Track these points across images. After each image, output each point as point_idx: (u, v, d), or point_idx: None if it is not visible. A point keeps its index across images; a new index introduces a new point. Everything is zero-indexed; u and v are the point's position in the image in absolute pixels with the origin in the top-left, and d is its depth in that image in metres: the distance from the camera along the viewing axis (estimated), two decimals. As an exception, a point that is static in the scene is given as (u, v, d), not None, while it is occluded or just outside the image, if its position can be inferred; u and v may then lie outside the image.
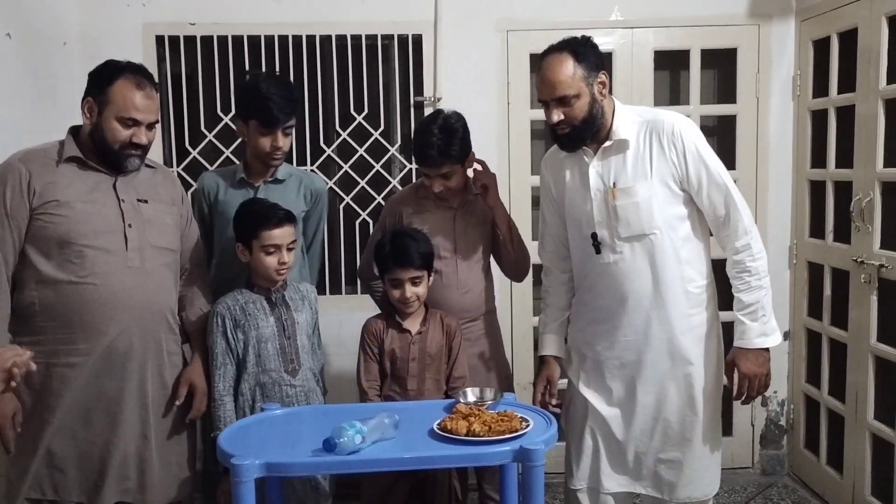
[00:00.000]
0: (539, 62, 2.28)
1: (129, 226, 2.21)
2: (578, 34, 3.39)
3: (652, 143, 2.25)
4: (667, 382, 2.30)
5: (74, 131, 2.27)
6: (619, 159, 2.27)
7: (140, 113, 2.18)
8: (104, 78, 2.19)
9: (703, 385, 2.30)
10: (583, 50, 2.22)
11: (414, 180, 3.50)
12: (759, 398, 3.54)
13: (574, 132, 2.24)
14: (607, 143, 2.28)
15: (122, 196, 2.23)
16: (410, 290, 2.41)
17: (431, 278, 2.49)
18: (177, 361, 2.35)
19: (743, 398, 2.32)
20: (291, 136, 2.62)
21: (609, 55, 3.43)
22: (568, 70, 2.19)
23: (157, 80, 3.24)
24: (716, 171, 2.23)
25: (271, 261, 2.36)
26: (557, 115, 2.22)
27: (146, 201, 2.28)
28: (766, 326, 2.26)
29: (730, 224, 2.25)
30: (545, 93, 2.24)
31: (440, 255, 2.56)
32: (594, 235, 2.30)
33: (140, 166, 2.26)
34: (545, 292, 2.57)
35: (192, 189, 2.79)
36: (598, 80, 2.23)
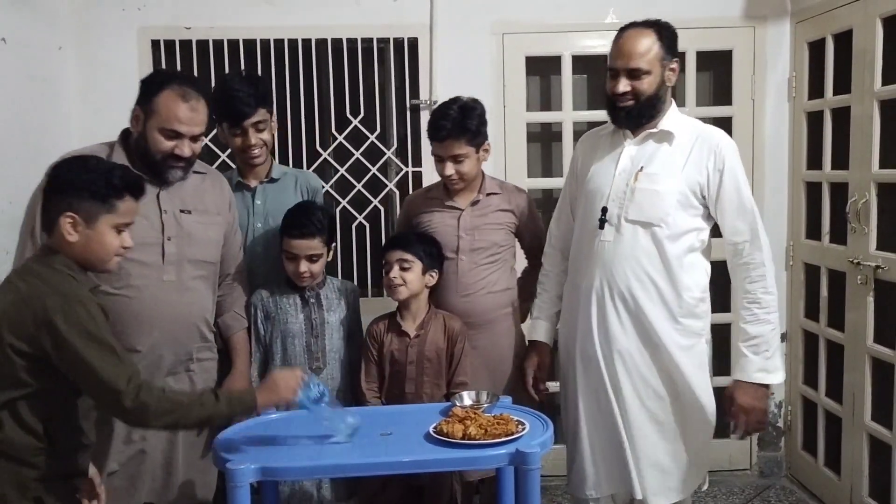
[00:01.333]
0: (619, 32, 2.30)
1: (168, 239, 2.20)
2: (574, 36, 3.44)
3: (693, 149, 2.26)
4: (647, 391, 2.28)
5: (124, 136, 2.25)
6: (656, 148, 2.29)
7: (183, 125, 2.15)
8: (152, 87, 2.17)
9: (685, 392, 2.27)
10: (665, 32, 2.26)
11: (410, 183, 3.51)
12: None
13: (636, 107, 2.26)
14: (651, 130, 2.30)
15: (164, 207, 2.21)
16: (397, 272, 2.41)
17: (434, 280, 2.48)
18: (208, 366, 2.35)
19: (739, 434, 2.29)
20: (269, 131, 2.58)
21: (605, 57, 3.42)
22: (647, 44, 2.23)
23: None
24: (748, 199, 2.25)
25: (290, 266, 2.44)
26: (625, 86, 2.24)
27: (189, 212, 2.26)
28: (769, 363, 2.23)
29: (749, 254, 2.24)
30: (619, 61, 2.25)
31: (443, 255, 2.54)
32: (604, 210, 2.30)
33: (183, 177, 2.23)
34: (544, 276, 2.56)
35: None
36: (671, 65, 2.27)
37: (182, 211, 2.24)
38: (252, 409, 1.92)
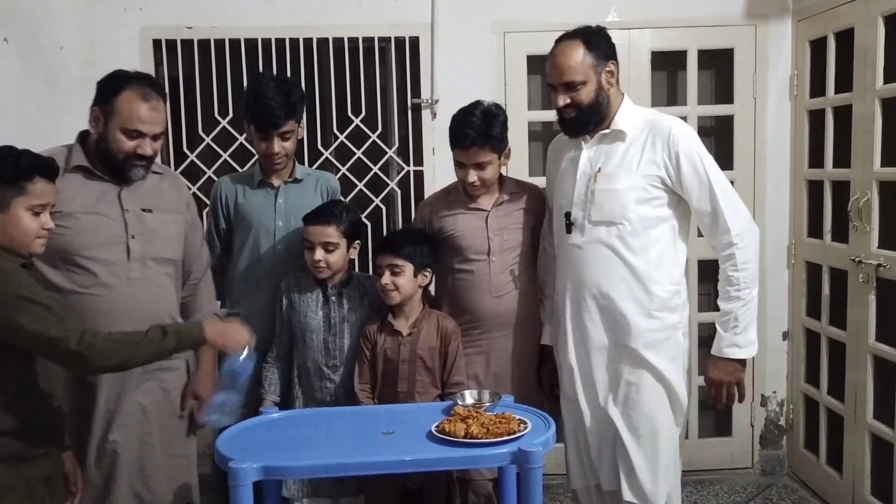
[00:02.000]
0: (552, 48, 2.34)
1: (133, 237, 2.21)
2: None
3: (646, 142, 2.30)
4: (620, 384, 2.31)
5: (83, 137, 2.25)
6: (611, 148, 2.33)
7: (145, 125, 2.16)
8: (111, 88, 2.18)
9: (658, 393, 2.30)
10: (595, 39, 2.30)
11: (411, 182, 3.51)
12: (760, 399, 3.58)
13: (579, 117, 2.31)
14: (605, 131, 2.34)
15: (126, 206, 2.22)
16: (388, 278, 2.41)
17: (427, 278, 2.48)
18: (177, 365, 2.34)
19: (714, 403, 2.34)
20: (294, 140, 2.62)
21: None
22: (577, 57, 2.27)
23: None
24: (708, 179, 2.25)
25: (308, 256, 2.48)
26: (563, 100, 2.30)
27: (151, 210, 2.27)
28: (739, 338, 2.26)
29: (718, 233, 2.27)
30: (553, 77, 2.31)
31: (470, 257, 2.52)
32: (568, 215, 2.36)
33: (145, 176, 2.25)
34: (542, 282, 2.59)
35: (210, 197, 2.80)
36: (607, 69, 2.31)
37: (143, 210, 2.25)
38: (200, 342, 1.96)
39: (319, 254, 2.44)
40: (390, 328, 2.45)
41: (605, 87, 2.31)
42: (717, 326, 2.30)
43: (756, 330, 2.30)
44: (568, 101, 2.29)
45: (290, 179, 2.67)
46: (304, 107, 2.71)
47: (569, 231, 2.36)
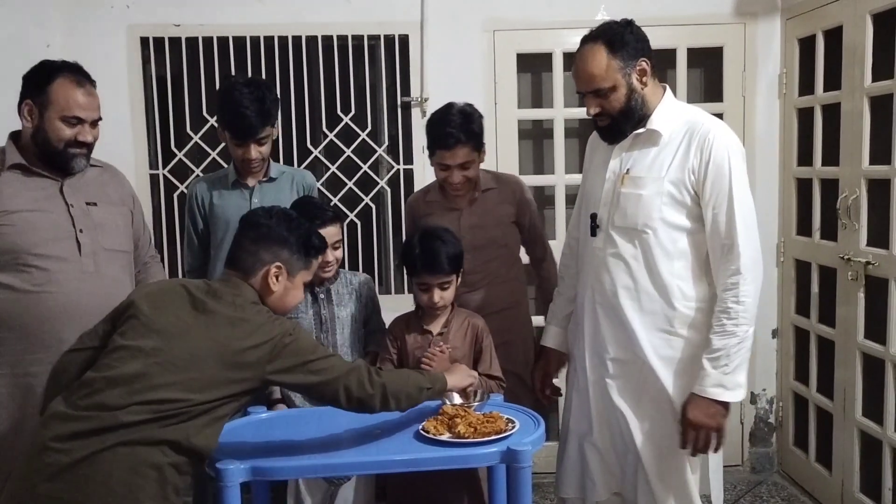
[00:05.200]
0: (577, 50, 2.18)
1: (81, 231, 2.17)
2: (565, 33, 3.42)
3: (681, 144, 2.12)
4: (637, 402, 2.18)
5: (15, 136, 2.22)
6: (644, 150, 2.16)
7: (83, 111, 2.15)
8: (42, 78, 2.15)
9: (675, 415, 2.14)
10: (619, 38, 2.11)
11: (401, 181, 3.50)
12: (750, 396, 3.58)
13: (613, 124, 2.16)
14: (639, 131, 2.16)
15: (70, 201, 2.19)
16: (439, 295, 2.36)
17: (460, 279, 2.44)
18: None
19: (689, 451, 2.11)
20: (269, 144, 2.62)
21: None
22: (601, 62, 2.09)
23: (142, 82, 3.24)
24: (733, 195, 2.05)
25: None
26: (594, 108, 2.15)
27: (95, 204, 2.24)
28: (727, 378, 2.05)
29: (725, 257, 2.07)
30: (580, 85, 2.16)
31: None
32: (593, 216, 2.23)
33: (85, 167, 2.22)
34: (560, 278, 2.49)
35: (186, 199, 2.78)
36: (637, 68, 2.11)
37: (88, 203, 2.23)
38: (443, 390, 2.06)
39: (331, 254, 2.42)
40: (419, 327, 2.41)
41: (638, 89, 2.11)
42: (704, 363, 2.06)
43: (746, 373, 2.11)
44: (598, 109, 2.13)
45: (264, 179, 2.66)
46: (279, 108, 2.70)
47: (593, 234, 2.21)
